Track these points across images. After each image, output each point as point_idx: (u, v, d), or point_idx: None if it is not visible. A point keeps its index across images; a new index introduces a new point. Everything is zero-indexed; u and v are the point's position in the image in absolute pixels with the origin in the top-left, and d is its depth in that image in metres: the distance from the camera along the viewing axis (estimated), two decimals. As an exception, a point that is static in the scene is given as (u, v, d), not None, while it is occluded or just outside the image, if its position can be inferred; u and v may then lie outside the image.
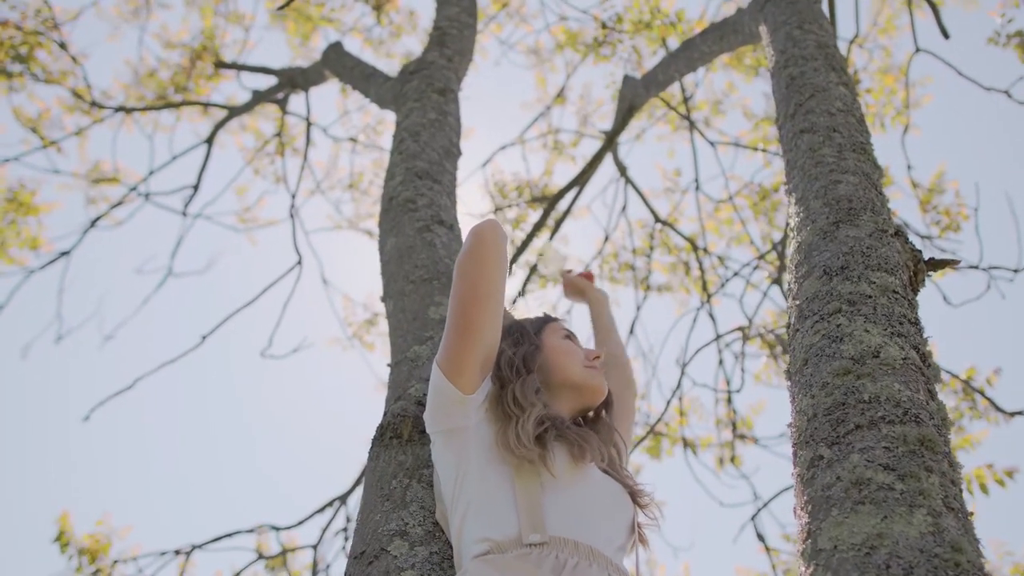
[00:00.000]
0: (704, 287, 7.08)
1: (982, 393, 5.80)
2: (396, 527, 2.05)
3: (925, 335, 2.12)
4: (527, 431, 1.95)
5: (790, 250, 2.50)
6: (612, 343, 2.74)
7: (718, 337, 6.71)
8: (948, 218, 6.76)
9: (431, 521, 2.08)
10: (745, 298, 7.11)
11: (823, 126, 2.77)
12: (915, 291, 2.30)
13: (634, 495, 2.10)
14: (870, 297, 2.11)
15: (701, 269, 7.18)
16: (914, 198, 6.71)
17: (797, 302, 2.25)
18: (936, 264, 2.36)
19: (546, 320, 2.31)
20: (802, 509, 1.76)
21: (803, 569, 1.65)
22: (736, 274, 7.00)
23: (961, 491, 1.73)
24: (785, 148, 2.88)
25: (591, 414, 2.30)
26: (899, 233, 2.36)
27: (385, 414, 2.37)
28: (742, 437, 6.84)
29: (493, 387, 2.08)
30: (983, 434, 6.08)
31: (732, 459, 6.89)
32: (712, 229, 7.79)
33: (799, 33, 3.26)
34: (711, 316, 6.90)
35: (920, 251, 2.35)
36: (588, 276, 2.96)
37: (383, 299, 3.01)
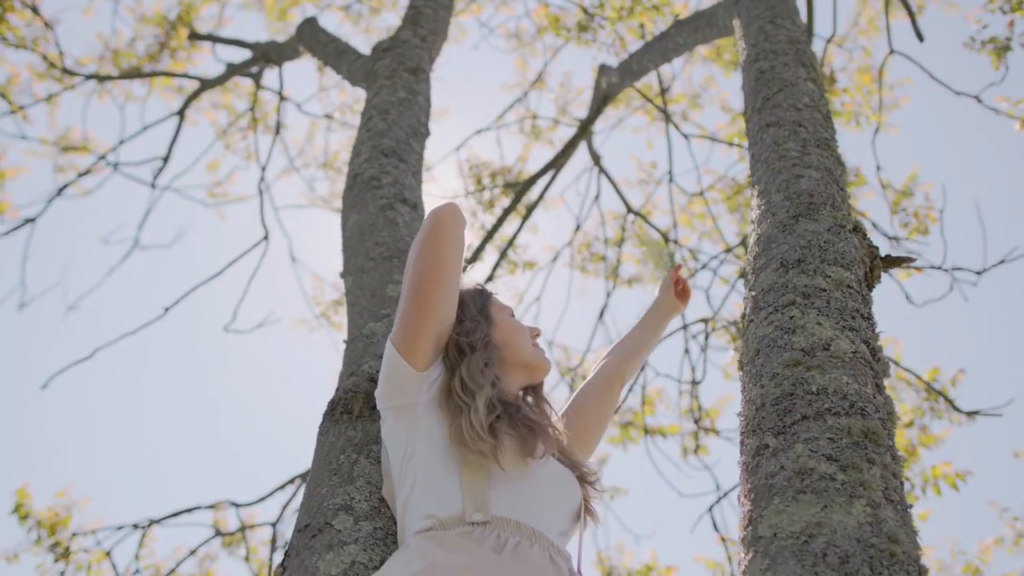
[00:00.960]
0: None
1: (942, 394, 5.86)
2: (341, 501, 2.05)
3: (877, 330, 2.14)
4: (479, 420, 1.95)
5: (750, 242, 2.51)
6: (648, 343, 2.72)
7: (684, 327, 6.74)
8: (917, 220, 6.81)
9: (377, 497, 2.08)
10: (712, 291, 7.12)
11: (789, 121, 2.78)
12: (870, 287, 2.32)
13: (582, 477, 2.11)
14: (824, 291, 2.12)
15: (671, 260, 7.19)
16: (884, 199, 6.76)
17: (753, 293, 2.27)
18: (892, 261, 2.38)
19: (486, 295, 2.31)
20: (745, 497, 1.77)
21: (743, 555, 1.66)
22: (704, 266, 7.03)
23: (902, 484, 1.75)
24: (751, 141, 2.89)
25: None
26: (857, 229, 2.38)
27: (337, 390, 2.37)
28: (705, 429, 6.88)
29: (444, 372, 2.08)
30: (947, 432, 6.15)
31: (696, 449, 6.93)
32: (685, 223, 7.81)
33: (771, 28, 3.27)
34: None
35: (877, 247, 2.37)
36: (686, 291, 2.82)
37: (343, 275, 3.00)
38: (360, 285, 2.79)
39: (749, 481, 1.79)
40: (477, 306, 2.24)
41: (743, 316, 2.28)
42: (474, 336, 2.12)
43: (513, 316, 2.31)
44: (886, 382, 2.05)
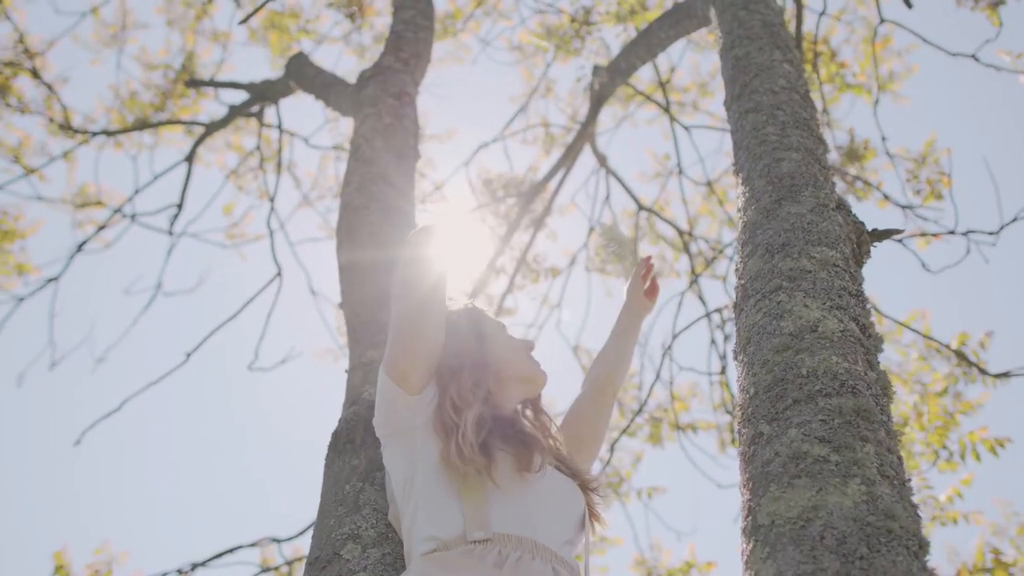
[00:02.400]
0: (693, 271, 7.09)
1: (968, 359, 5.80)
2: (349, 531, 2.07)
3: (868, 306, 2.13)
4: (468, 441, 1.96)
5: (738, 230, 2.51)
6: (627, 347, 2.68)
7: (707, 315, 6.71)
8: (930, 187, 6.75)
9: (384, 523, 2.10)
10: (731, 279, 7.09)
11: (767, 105, 2.78)
12: (859, 263, 2.31)
13: (584, 484, 2.11)
14: (810, 272, 2.12)
15: (688, 253, 7.19)
16: (894, 169, 6.70)
17: (742, 282, 2.27)
18: (880, 234, 2.37)
19: (477, 312, 2.31)
20: (744, 486, 1.77)
21: (744, 545, 1.66)
22: (720, 253, 7.01)
23: (899, 459, 1.74)
24: (733, 129, 2.89)
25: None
26: (841, 206, 2.37)
27: (339, 420, 2.39)
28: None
29: (437, 394, 2.08)
30: (985, 397, 6.08)
31: (733, 441, 6.89)
32: (706, 212, 7.79)
33: (744, 14, 3.27)
34: (701, 299, 6.90)
35: (863, 223, 2.36)
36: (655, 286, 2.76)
37: (340, 306, 3.02)
38: (356, 314, 2.82)
39: (747, 471, 1.79)
40: (469, 324, 2.25)
41: (735, 306, 2.28)
42: (463, 356, 2.12)
43: (505, 330, 2.31)
44: (908, 356, 2.04)
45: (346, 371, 2.71)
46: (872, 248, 2.36)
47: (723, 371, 6.66)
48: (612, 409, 2.61)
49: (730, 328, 6.67)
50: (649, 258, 2.73)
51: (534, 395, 2.27)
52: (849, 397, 1.78)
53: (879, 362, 2.01)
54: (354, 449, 2.27)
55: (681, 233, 7.19)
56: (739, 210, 2.57)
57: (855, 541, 1.49)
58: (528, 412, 2.27)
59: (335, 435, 2.34)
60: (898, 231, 2.39)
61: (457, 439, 1.96)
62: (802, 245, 2.20)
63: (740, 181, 2.64)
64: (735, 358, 2.17)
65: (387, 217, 3.14)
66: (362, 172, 3.37)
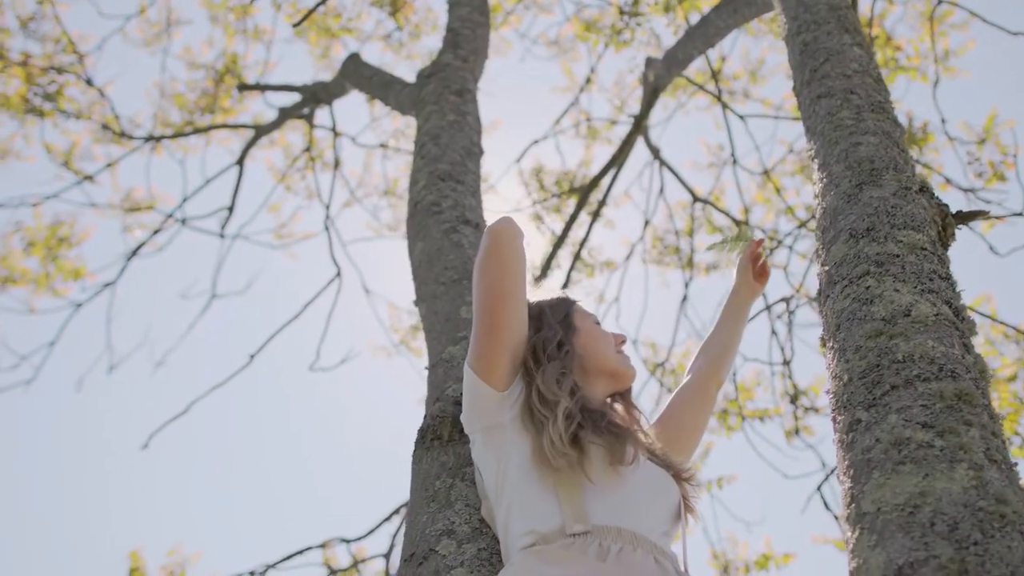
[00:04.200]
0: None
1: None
2: (443, 527, 2.07)
3: (958, 289, 2.10)
4: (559, 433, 1.94)
5: (817, 216, 2.48)
6: (734, 334, 2.64)
7: (768, 308, 6.66)
8: (992, 169, 6.63)
9: (477, 518, 2.10)
10: (792, 268, 7.04)
11: (840, 89, 2.74)
12: (945, 246, 2.27)
13: (677, 475, 2.10)
14: (898, 256, 2.09)
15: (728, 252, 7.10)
16: (954, 152, 6.59)
17: (826, 268, 2.24)
18: (965, 216, 2.33)
19: (569, 303, 2.29)
20: (844, 474, 1.75)
21: (849, 534, 1.64)
22: (780, 243, 6.95)
23: (1004, 442, 1.71)
24: (804, 115, 2.86)
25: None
26: (924, 189, 2.34)
27: (425, 417, 2.40)
28: (805, 408, 6.79)
29: (524, 388, 2.07)
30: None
31: (797, 430, 6.84)
32: (763, 201, 7.72)
33: (810, -2, 3.22)
34: (759, 289, 6.83)
35: (947, 205, 2.32)
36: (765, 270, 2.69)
37: (416, 303, 3.03)
38: (434, 311, 2.82)
39: (846, 458, 1.77)
40: (558, 315, 2.23)
41: (819, 293, 2.25)
42: (550, 346, 2.11)
43: (598, 324, 2.30)
44: (976, 340, 2.01)
45: (426, 368, 2.72)
46: (956, 231, 2.33)
47: (785, 362, 6.61)
48: (715, 401, 2.57)
49: (796, 318, 6.62)
50: (761, 240, 2.69)
51: (622, 389, 2.25)
52: (949, 381, 1.76)
53: (974, 345, 1.98)
54: (442, 445, 2.27)
55: (738, 223, 7.14)
56: (816, 196, 2.54)
57: (967, 527, 1.47)
58: (618, 406, 2.25)
59: (422, 432, 2.35)
60: (983, 213, 2.35)
61: (548, 432, 1.95)
62: (887, 229, 2.17)
63: (816, 167, 2.61)
64: (823, 345, 2.14)
65: (459, 214, 3.15)
66: (429, 170, 3.38)
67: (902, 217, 2.20)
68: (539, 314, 2.20)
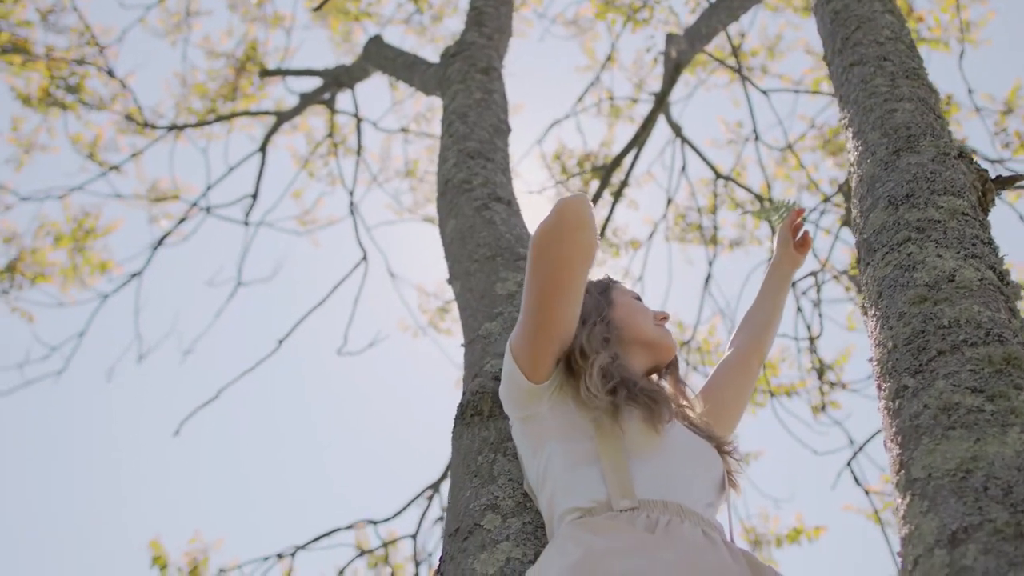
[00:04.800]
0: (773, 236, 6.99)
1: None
2: (487, 501, 2.07)
3: (1001, 254, 2.07)
4: (595, 382, 1.92)
5: (853, 184, 2.46)
6: (776, 306, 2.59)
7: (793, 284, 6.63)
8: (1019, 139, 6.57)
9: (520, 492, 2.09)
10: (817, 243, 7.01)
11: (872, 56, 2.71)
12: (985, 212, 2.25)
13: (720, 447, 2.09)
14: (939, 222, 2.07)
15: (769, 221, 7.08)
16: (982, 123, 6.54)
17: (864, 236, 2.22)
18: (1004, 181, 2.31)
19: (610, 281, 2.28)
20: (892, 441, 1.73)
21: (899, 500, 1.63)
22: (805, 219, 6.91)
23: (1055, 406, 1.69)
24: (836, 84, 2.83)
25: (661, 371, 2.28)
26: (963, 155, 2.31)
27: (464, 393, 2.39)
28: (831, 383, 6.77)
29: (563, 369, 2.03)
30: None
31: (823, 407, 6.82)
32: (784, 176, 7.68)
33: (838, -35, 3.18)
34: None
35: (986, 170, 2.29)
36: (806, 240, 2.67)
37: (449, 281, 3.03)
38: (469, 288, 2.82)
39: (893, 424, 1.75)
40: (600, 289, 2.22)
41: (858, 261, 2.23)
42: (593, 313, 2.08)
43: (637, 299, 2.28)
44: (1020, 305, 1.99)
45: (462, 345, 2.71)
46: (997, 196, 2.30)
47: (811, 338, 6.58)
48: (758, 374, 2.53)
49: (822, 294, 6.59)
50: (802, 210, 2.64)
51: (662, 362, 2.23)
52: (997, 345, 1.73)
53: (1019, 310, 1.96)
54: (483, 421, 2.26)
55: (760, 200, 7.10)
56: (852, 164, 2.52)
57: (1022, 490, 1.45)
58: (665, 383, 2.23)
59: (462, 407, 2.34)
60: (1022, 176, 2.33)
61: (585, 380, 1.93)
62: (927, 195, 2.15)
63: (851, 135, 2.58)
64: (864, 313, 2.13)
65: (489, 191, 3.14)
66: (458, 148, 3.37)
67: (941, 183, 2.18)
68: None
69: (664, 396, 2.01)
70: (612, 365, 2.00)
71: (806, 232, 2.64)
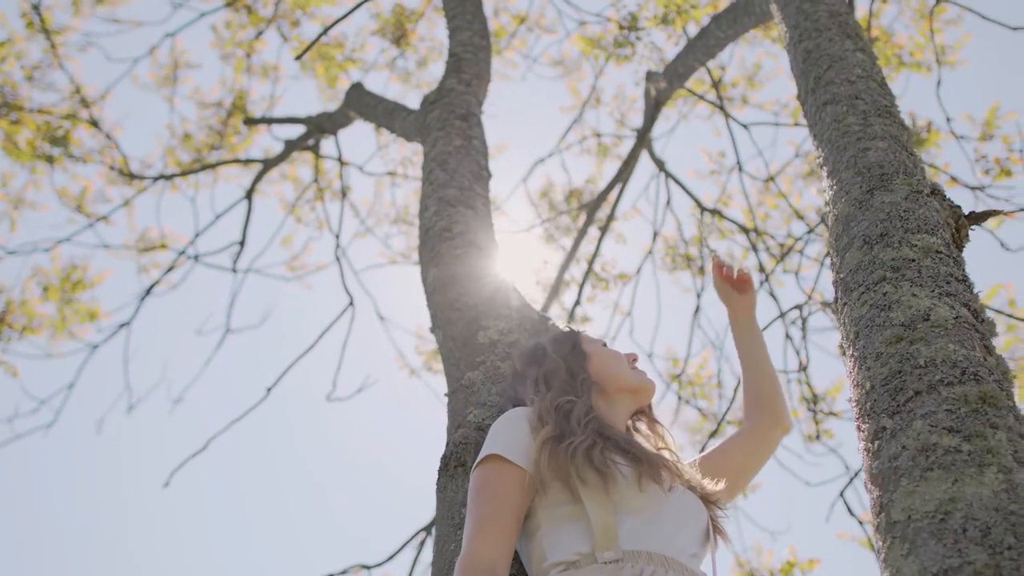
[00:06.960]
0: (761, 268, 7.03)
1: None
2: (471, 555, 2.06)
3: (976, 291, 2.09)
4: (580, 451, 1.93)
5: (829, 223, 2.48)
6: (761, 361, 2.52)
7: (781, 315, 6.64)
8: (998, 165, 6.62)
9: (505, 544, 2.08)
10: (803, 273, 7.04)
11: (845, 95, 2.74)
12: (960, 248, 2.27)
13: (705, 497, 2.08)
14: (913, 260, 2.08)
15: (755, 250, 7.13)
16: (961, 150, 6.58)
17: (841, 275, 2.24)
18: (978, 217, 2.33)
19: (574, 335, 2.29)
20: (872, 483, 1.74)
21: (880, 543, 1.63)
22: (791, 250, 6.94)
23: (1031, 443, 1.70)
24: (811, 122, 2.86)
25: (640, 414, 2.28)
26: (936, 192, 2.33)
27: (447, 444, 2.39)
28: (824, 413, 6.76)
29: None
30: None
31: (818, 435, 6.81)
32: (771, 205, 7.71)
33: (809, 6, 3.23)
34: (772, 295, 6.84)
35: (959, 207, 2.31)
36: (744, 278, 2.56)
37: (432, 330, 3.04)
38: (451, 337, 2.82)
39: (873, 467, 1.76)
40: (564, 349, 2.22)
41: (835, 300, 2.25)
42: (553, 379, 2.11)
43: (605, 345, 2.29)
44: (998, 341, 2.00)
45: (445, 395, 2.71)
46: (970, 232, 2.32)
47: (801, 368, 6.59)
48: (773, 448, 2.46)
49: (810, 323, 6.60)
50: (715, 256, 2.59)
51: (643, 404, 2.25)
52: (973, 384, 1.74)
53: (994, 347, 1.97)
54: (466, 472, 2.26)
55: (747, 231, 7.13)
56: (827, 203, 2.54)
57: (1000, 531, 1.46)
58: (641, 424, 2.24)
59: (445, 459, 2.34)
60: (995, 212, 2.35)
61: (567, 448, 1.93)
62: (901, 234, 2.17)
63: (826, 174, 2.61)
64: (842, 353, 2.14)
65: (470, 239, 3.15)
66: (438, 196, 3.39)
67: (915, 221, 2.20)
68: (542, 356, 2.20)
69: (661, 458, 2.01)
70: (596, 439, 1.98)
71: (740, 271, 2.54)
